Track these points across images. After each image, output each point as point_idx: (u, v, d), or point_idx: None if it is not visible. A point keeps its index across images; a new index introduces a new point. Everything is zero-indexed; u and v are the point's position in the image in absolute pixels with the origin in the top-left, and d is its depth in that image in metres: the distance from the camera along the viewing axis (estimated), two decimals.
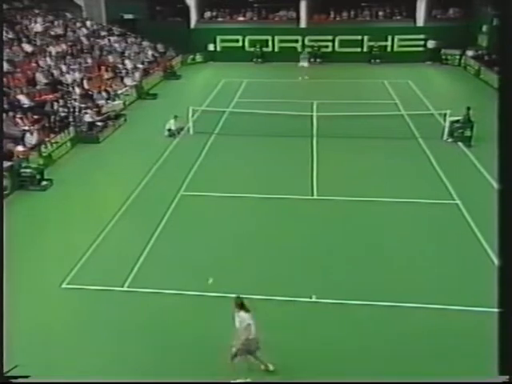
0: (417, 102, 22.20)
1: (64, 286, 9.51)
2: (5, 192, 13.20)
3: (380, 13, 33.06)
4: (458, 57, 30.24)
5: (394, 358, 7.69)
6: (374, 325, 8.44)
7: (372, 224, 11.76)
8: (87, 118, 18.16)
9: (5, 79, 18.73)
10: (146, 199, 13.27)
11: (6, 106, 16.74)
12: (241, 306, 7.09)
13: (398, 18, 32.81)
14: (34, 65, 21.30)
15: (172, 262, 10.33)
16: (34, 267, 10.16)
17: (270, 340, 7.81)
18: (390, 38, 31.77)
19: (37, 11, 28.07)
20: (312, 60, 31.78)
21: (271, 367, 7.39)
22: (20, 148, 14.96)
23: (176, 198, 13.20)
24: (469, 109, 17.04)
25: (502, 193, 3.89)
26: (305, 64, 27.58)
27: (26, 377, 4.20)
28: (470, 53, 29.23)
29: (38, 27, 25.77)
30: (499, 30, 3.85)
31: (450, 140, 17.12)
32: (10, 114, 16.29)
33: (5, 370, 4.29)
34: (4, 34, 22.70)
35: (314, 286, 9.36)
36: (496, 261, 9.92)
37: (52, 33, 26.10)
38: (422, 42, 31.51)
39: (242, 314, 7.06)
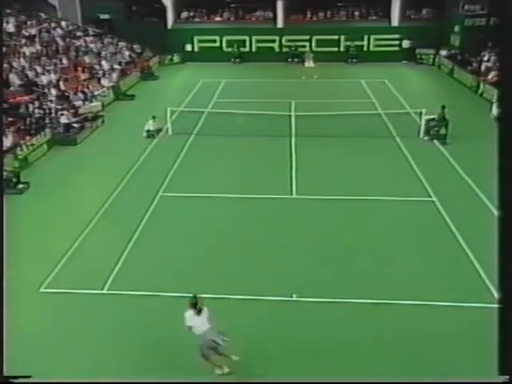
0: (393, 100, 22.53)
1: (42, 289, 9.40)
2: None
3: (356, 13, 33.44)
4: (432, 56, 30.80)
5: (379, 357, 7.79)
6: (354, 323, 8.55)
7: (350, 222, 11.90)
8: (64, 120, 17.94)
9: None
10: (125, 201, 13.17)
11: None
12: (193, 305, 7.12)
13: (374, 17, 33.24)
14: (6, 65, 20.90)
15: (151, 264, 10.29)
16: (12, 271, 9.95)
17: (252, 339, 7.87)
18: (366, 37, 32.17)
19: (8, 11, 27.53)
20: (289, 60, 31.97)
21: (234, 357, 7.37)
22: None
23: (155, 199, 13.14)
24: (444, 107, 17.37)
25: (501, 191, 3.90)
26: (311, 64, 27.66)
27: (28, 377, 4.16)
28: (443, 52, 29.79)
29: (10, 27, 25.29)
30: (499, 30, 3.89)
31: (426, 138, 17.42)
32: None
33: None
34: None
35: (295, 285, 9.43)
36: (472, 256, 10.16)
37: (25, 33, 25.66)
38: (397, 42, 31.99)
39: (188, 313, 7.12)
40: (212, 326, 7.18)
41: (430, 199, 12.93)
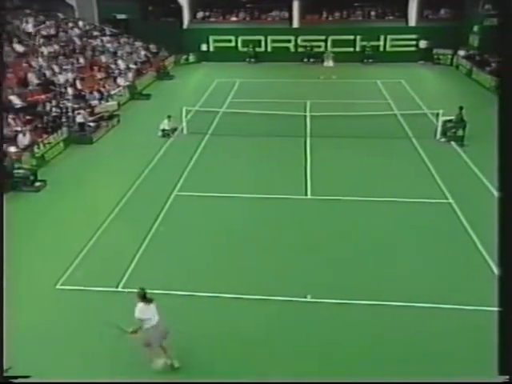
0: (410, 101, 22.31)
1: (58, 286, 9.48)
2: None
3: (372, 13, 33.22)
4: (449, 56, 30.45)
5: (391, 359, 7.73)
6: (370, 324, 8.47)
7: (365, 224, 11.80)
8: (80, 119, 18.09)
9: None
10: (140, 199, 13.23)
11: None
12: (142, 297, 7.13)
13: (391, 17, 32.98)
14: (25, 65, 21.18)
15: (166, 263, 10.32)
16: (29, 268, 10.11)
17: (267, 338, 7.84)
18: (382, 37, 31.91)
19: (28, 11, 27.89)
20: (305, 60, 31.88)
21: (176, 364, 7.45)
22: (12, 149, 14.88)
23: (170, 198, 13.18)
24: (461, 108, 17.15)
25: (501, 189, 3.89)
26: (330, 64, 27.53)
27: (27, 377, 4.18)
28: (461, 53, 29.43)
29: (29, 27, 25.61)
30: (499, 30, 3.86)
31: (442, 139, 17.21)
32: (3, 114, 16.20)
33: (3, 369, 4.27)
34: None
35: (309, 286, 9.37)
36: (489, 259, 10.00)
37: (44, 33, 25.96)
38: (414, 42, 31.68)
39: (139, 306, 7.11)
40: (161, 318, 7.23)
41: (446, 201, 12.77)
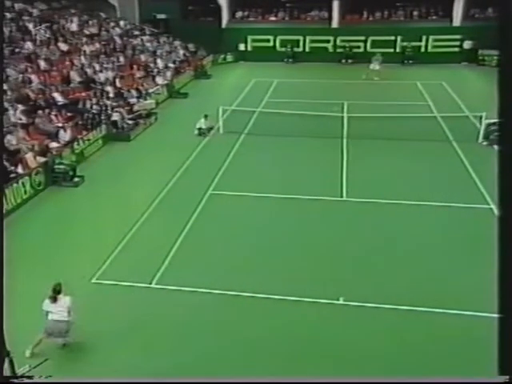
0: (451, 103, 21.70)
1: (94, 280, 9.65)
2: (39, 187, 13.51)
3: (415, 13, 32.52)
4: (495, 58, 29.43)
5: (416, 362, 7.51)
6: (399, 329, 8.27)
7: (401, 227, 11.53)
8: (118, 117, 18.42)
9: (42, 77, 19.22)
10: (176, 197, 13.35)
11: (42, 103, 17.15)
12: (53, 291, 7.57)
13: (434, 17, 32.18)
14: (68, 63, 21.75)
15: (200, 261, 10.35)
16: (65, 261, 10.34)
17: (293, 340, 7.75)
18: (424, 38, 31.18)
19: (73, 11, 28.67)
20: (343, 61, 31.49)
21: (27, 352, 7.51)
22: (54, 144, 15.29)
23: (205, 196, 13.24)
24: None
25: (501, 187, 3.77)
26: (376, 67, 27.38)
27: (30, 377, 4.21)
28: None
29: (73, 26, 26.30)
30: (499, 30, 3.73)
31: (485, 143, 16.65)
32: (46, 110, 16.67)
33: (19, 366, 4.32)
34: (42, 33, 23.32)
35: (342, 288, 9.22)
36: None
37: (87, 32, 26.62)
38: (457, 43, 30.82)
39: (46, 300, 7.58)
40: (70, 320, 7.61)
41: (487, 206, 12.32)
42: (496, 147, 16.24)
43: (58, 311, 7.52)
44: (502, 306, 3.77)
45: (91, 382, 7.06)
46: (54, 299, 7.55)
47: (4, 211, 10.95)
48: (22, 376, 4.21)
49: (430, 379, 6.86)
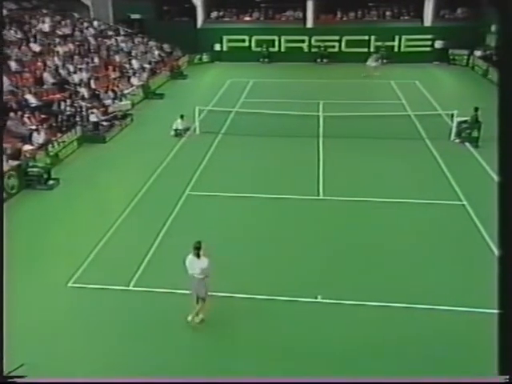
0: (424, 102, 22.10)
1: (70, 284, 9.54)
2: (12, 191, 13.28)
3: (387, 13, 33.00)
4: (465, 57, 30.09)
5: (404, 358, 7.66)
6: (377, 325, 8.41)
7: (377, 225, 11.71)
8: (93, 118, 18.23)
9: (13, 79, 18.87)
10: (153, 199, 13.29)
11: (14, 106, 16.85)
12: (195, 249, 7.92)
13: (406, 17, 32.71)
14: (41, 64, 21.40)
15: (177, 262, 10.28)
16: (41, 266, 10.21)
17: (281, 339, 7.80)
18: (397, 38, 31.68)
19: (45, 11, 28.21)
20: (319, 61, 31.77)
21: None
22: (27, 147, 15.04)
23: (182, 197, 13.21)
24: (476, 109, 16.93)
25: (501, 186, 3.87)
26: (373, 63, 27.94)
27: (22, 377, 4.15)
28: (478, 53, 29.06)
29: (45, 27, 25.90)
30: (499, 30, 3.85)
31: (457, 140, 17.02)
32: (19, 113, 16.38)
33: (6, 369, 4.26)
34: (12, 33, 22.88)
35: (319, 287, 9.33)
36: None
37: (59, 32, 26.23)
38: (429, 42, 31.39)
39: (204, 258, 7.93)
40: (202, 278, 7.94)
41: (460, 203, 12.62)
42: (468, 144, 16.66)
43: (199, 267, 7.89)
44: (501, 305, 3.84)
45: (91, 382, 7.00)
46: (198, 256, 7.90)
47: None
48: (18, 376, 4.15)
49: (430, 379, 6.97)
